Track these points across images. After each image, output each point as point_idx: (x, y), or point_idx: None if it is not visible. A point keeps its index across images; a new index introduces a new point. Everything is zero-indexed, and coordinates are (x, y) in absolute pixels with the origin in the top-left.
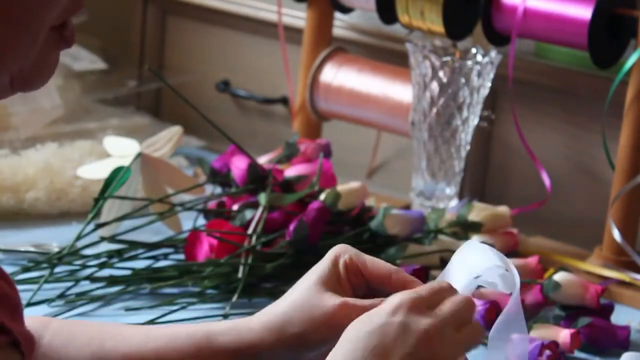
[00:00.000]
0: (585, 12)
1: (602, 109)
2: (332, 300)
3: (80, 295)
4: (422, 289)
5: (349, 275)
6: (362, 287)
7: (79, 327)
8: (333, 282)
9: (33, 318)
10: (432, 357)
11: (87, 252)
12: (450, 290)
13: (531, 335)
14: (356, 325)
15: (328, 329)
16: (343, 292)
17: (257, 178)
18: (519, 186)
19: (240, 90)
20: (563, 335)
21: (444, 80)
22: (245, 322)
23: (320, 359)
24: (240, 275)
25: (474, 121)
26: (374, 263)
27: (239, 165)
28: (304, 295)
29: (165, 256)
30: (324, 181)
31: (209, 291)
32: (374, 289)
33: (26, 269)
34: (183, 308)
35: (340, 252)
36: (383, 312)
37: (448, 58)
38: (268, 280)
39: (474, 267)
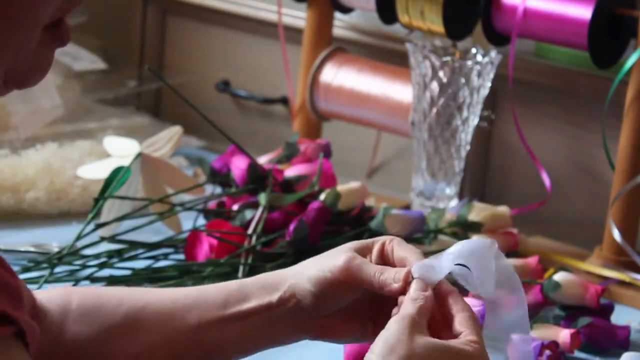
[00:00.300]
0: (585, 12)
1: (602, 109)
2: (346, 255)
3: None
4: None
5: (381, 255)
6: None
7: (107, 291)
8: (363, 252)
9: (53, 290)
10: None
11: (87, 252)
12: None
13: (531, 335)
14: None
15: (334, 278)
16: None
17: (257, 178)
18: (519, 186)
19: (240, 90)
20: (563, 335)
21: (444, 80)
22: (273, 272)
23: (333, 322)
24: (240, 275)
25: (474, 121)
26: (404, 246)
27: (239, 165)
28: (332, 250)
29: (165, 256)
30: (324, 181)
31: None
32: None
33: (26, 269)
34: None
35: (382, 237)
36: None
37: (448, 58)
38: None
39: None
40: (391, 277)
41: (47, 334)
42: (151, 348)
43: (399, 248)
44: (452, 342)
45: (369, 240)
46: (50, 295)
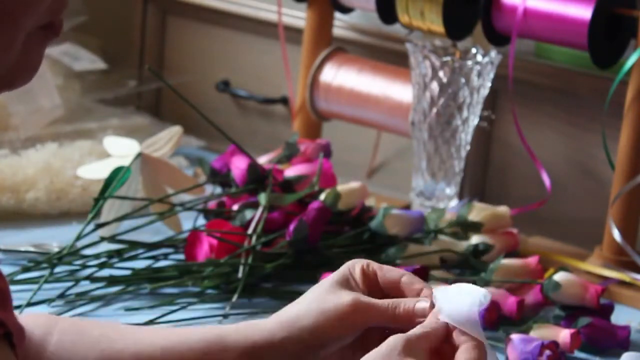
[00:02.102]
0: (585, 12)
1: (602, 109)
2: (346, 296)
3: (80, 295)
4: (430, 331)
5: (365, 281)
6: (378, 294)
7: (88, 326)
8: (349, 285)
9: (39, 316)
10: None
11: (87, 252)
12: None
13: (531, 335)
14: None
15: (340, 323)
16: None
17: (257, 178)
18: (519, 186)
19: (240, 90)
20: (563, 335)
21: (444, 80)
22: (258, 321)
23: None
24: (240, 275)
25: (474, 121)
26: (387, 268)
27: (239, 165)
28: (319, 292)
29: (165, 256)
30: (324, 181)
31: (209, 291)
32: (387, 295)
33: (26, 269)
34: (183, 308)
35: (355, 262)
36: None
37: (448, 58)
38: (268, 280)
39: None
40: (411, 308)
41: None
42: None
43: (382, 272)
44: None
45: (346, 272)
46: (35, 320)
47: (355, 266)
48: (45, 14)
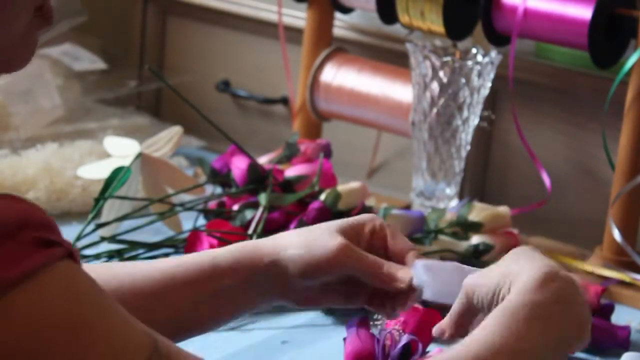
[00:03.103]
0: (585, 12)
1: (602, 109)
2: (338, 239)
3: None
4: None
5: (372, 240)
6: (381, 256)
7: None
8: (350, 235)
9: None
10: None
11: (87, 252)
12: None
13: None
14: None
15: (324, 262)
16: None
17: (257, 178)
18: (519, 186)
19: (240, 90)
20: None
21: (444, 80)
22: (249, 243)
23: (311, 294)
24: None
25: (474, 121)
26: (400, 237)
27: (239, 165)
28: (319, 230)
29: (165, 256)
30: (324, 181)
31: None
32: (389, 258)
33: None
34: None
35: (369, 219)
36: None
37: (448, 58)
38: None
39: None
40: (396, 274)
41: None
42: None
43: (394, 241)
44: None
45: (356, 223)
46: None
47: (368, 223)
48: None
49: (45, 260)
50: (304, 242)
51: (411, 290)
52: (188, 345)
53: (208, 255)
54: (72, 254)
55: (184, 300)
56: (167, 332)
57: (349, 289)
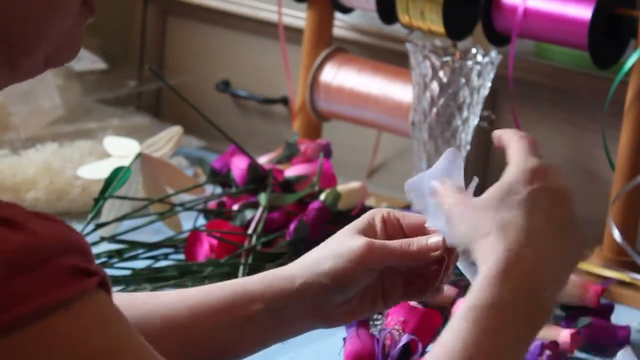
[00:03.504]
0: (585, 12)
1: (602, 109)
2: (360, 239)
3: None
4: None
5: (387, 229)
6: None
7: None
8: (368, 233)
9: None
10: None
11: None
12: None
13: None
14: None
15: (355, 265)
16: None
17: (257, 178)
18: None
19: (240, 90)
20: (563, 335)
21: (444, 80)
22: (278, 270)
23: (349, 307)
24: (240, 275)
25: (474, 121)
26: (410, 215)
27: (239, 165)
28: (338, 238)
29: (165, 256)
30: (324, 181)
31: None
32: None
33: None
34: None
35: (376, 211)
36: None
37: (448, 58)
38: None
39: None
40: (424, 244)
41: None
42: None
43: (404, 218)
44: None
45: (365, 220)
46: None
47: (375, 215)
48: None
49: (83, 289)
50: (330, 254)
51: (449, 252)
52: None
53: (238, 281)
54: (104, 282)
55: (214, 327)
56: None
57: (385, 289)
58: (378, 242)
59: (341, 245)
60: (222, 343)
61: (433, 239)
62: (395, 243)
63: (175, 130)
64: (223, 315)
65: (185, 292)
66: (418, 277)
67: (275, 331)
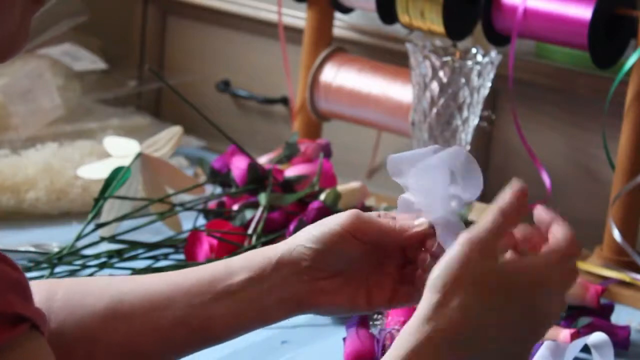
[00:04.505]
0: (585, 12)
1: (602, 109)
2: (348, 212)
3: None
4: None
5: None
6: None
7: (92, 279)
8: (360, 215)
9: (39, 283)
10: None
11: (87, 252)
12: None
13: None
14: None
15: (342, 230)
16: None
17: (257, 178)
18: None
19: (240, 90)
20: (563, 335)
21: (444, 80)
22: (264, 247)
23: (330, 286)
24: None
25: (474, 121)
26: (402, 215)
27: (239, 165)
28: (325, 219)
29: (165, 256)
30: (324, 181)
31: None
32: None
33: (26, 269)
34: None
35: (374, 211)
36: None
37: (448, 58)
38: None
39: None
40: (409, 223)
41: None
42: (136, 333)
43: (401, 216)
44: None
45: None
46: (34, 287)
47: (372, 211)
48: None
49: (14, 337)
50: (317, 224)
51: (432, 234)
52: None
53: (222, 260)
54: (37, 324)
55: (193, 301)
56: (178, 337)
57: (370, 286)
58: (365, 214)
59: (329, 218)
60: (201, 319)
61: (419, 220)
62: (382, 219)
63: (175, 130)
64: (204, 289)
65: (167, 273)
66: (406, 283)
67: (255, 310)
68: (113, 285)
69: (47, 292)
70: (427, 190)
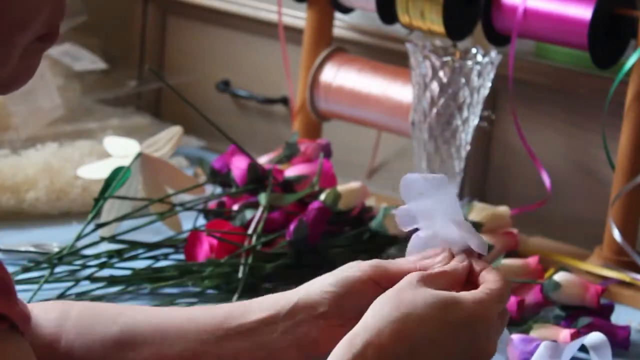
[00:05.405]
0: (585, 12)
1: (602, 109)
2: (369, 261)
3: (80, 295)
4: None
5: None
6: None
7: (104, 305)
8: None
9: (53, 304)
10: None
11: (87, 252)
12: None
13: (531, 335)
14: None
15: (363, 275)
16: None
17: (257, 178)
18: (519, 186)
19: (240, 90)
20: (563, 335)
21: (444, 80)
22: (286, 292)
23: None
24: (240, 275)
25: (474, 121)
26: (394, 263)
27: (239, 165)
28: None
29: (165, 256)
30: (324, 181)
31: (209, 291)
32: None
33: (26, 269)
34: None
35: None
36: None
37: (448, 58)
38: (268, 280)
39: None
40: (429, 262)
41: (39, 343)
42: None
43: (415, 256)
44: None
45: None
46: (48, 306)
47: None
48: (43, 27)
49: None
50: (336, 271)
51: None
52: None
53: (245, 301)
54: (15, 324)
55: (204, 337)
56: None
57: None
58: (384, 261)
59: (348, 264)
60: (209, 355)
61: (440, 256)
62: (401, 263)
63: (175, 130)
64: (216, 325)
65: (183, 308)
66: None
67: (264, 351)
68: (125, 314)
69: (60, 310)
70: (433, 216)
